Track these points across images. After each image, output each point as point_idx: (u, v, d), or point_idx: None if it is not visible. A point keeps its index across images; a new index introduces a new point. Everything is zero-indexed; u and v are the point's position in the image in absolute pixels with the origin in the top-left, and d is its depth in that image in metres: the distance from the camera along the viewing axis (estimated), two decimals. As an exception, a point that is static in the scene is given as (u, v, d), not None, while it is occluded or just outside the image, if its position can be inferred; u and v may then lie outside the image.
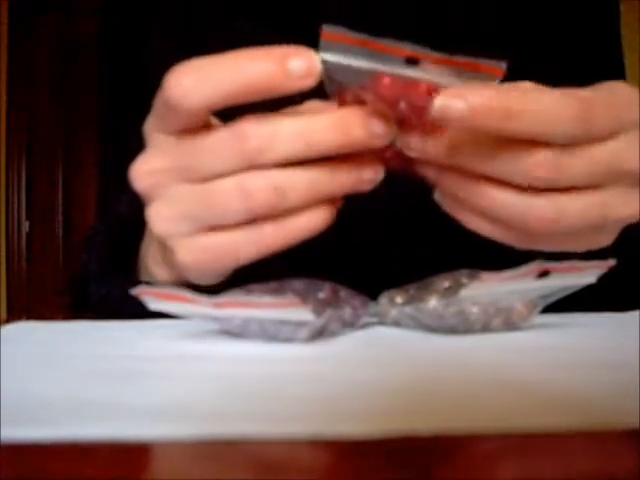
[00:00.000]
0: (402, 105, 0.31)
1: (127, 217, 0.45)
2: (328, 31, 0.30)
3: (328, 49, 0.31)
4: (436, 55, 0.31)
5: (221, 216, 0.32)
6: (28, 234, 2.39)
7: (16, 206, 2.39)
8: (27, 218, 2.40)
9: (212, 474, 0.15)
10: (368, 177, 0.33)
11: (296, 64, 0.30)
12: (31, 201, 2.40)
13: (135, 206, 0.36)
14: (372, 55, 0.31)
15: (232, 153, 0.31)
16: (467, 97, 0.29)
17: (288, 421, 0.17)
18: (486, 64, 0.31)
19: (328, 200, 0.33)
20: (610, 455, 0.15)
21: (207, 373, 0.24)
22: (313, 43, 0.32)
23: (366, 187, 0.33)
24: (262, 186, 0.31)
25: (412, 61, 0.31)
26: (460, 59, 0.31)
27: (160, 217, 0.34)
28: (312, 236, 0.33)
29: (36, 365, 0.26)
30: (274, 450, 0.16)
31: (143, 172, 0.34)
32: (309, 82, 0.30)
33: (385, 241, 0.49)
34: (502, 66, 0.31)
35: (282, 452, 0.16)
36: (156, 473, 0.15)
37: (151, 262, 0.42)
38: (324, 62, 0.31)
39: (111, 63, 0.59)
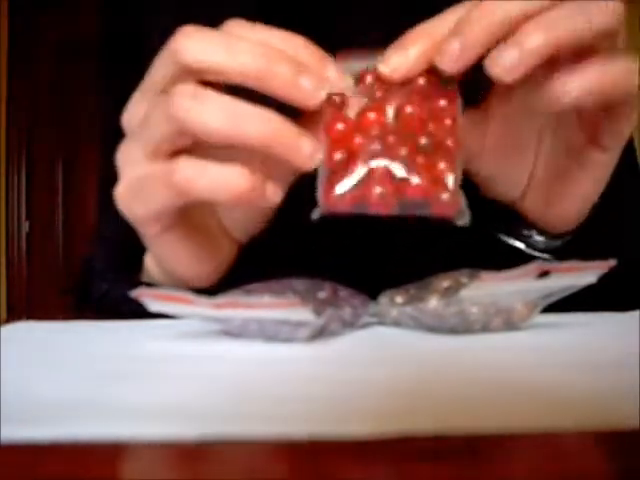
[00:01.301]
0: None
1: None
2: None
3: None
4: None
5: (150, 130, 0.32)
6: (28, 234, 2.39)
7: (16, 206, 2.39)
8: (27, 218, 2.40)
9: (211, 474, 0.15)
10: (307, 150, 0.31)
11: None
12: (31, 201, 2.40)
13: None
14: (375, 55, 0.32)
15: (164, 55, 0.32)
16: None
17: (288, 421, 0.17)
18: None
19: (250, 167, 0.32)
20: (610, 455, 0.15)
21: (207, 373, 0.24)
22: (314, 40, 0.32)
23: (302, 161, 0.31)
24: (184, 89, 0.31)
25: None
26: None
27: (121, 146, 0.35)
28: (222, 198, 0.31)
29: (36, 365, 0.26)
30: (274, 450, 0.16)
31: (129, 103, 0.35)
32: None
33: (385, 241, 0.49)
34: None
35: (282, 452, 0.16)
36: (156, 473, 0.15)
37: (149, 260, 0.42)
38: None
39: (112, 61, 0.59)
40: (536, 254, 0.41)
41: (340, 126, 0.32)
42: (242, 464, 0.15)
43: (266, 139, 0.30)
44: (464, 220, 0.31)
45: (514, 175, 0.39)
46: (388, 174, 0.31)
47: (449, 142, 0.31)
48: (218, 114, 0.30)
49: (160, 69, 0.32)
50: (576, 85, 0.31)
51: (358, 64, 0.32)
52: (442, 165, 0.31)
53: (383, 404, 0.19)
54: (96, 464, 0.15)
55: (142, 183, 0.34)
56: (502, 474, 0.14)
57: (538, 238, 0.41)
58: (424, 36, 0.32)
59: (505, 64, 0.30)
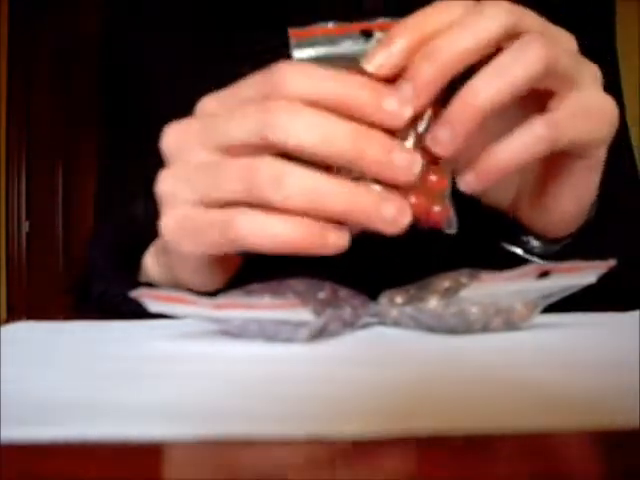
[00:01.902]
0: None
1: (140, 221, 0.45)
2: (296, 30, 0.32)
3: (300, 47, 0.32)
4: (387, 21, 0.32)
5: (218, 187, 0.32)
6: (28, 234, 2.39)
7: (16, 206, 2.39)
8: (27, 218, 2.40)
9: (212, 474, 0.15)
10: (389, 216, 0.31)
11: None
12: (31, 201, 2.40)
13: (150, 212, 0.36)
14: (333, 40, 0.32)
15: (253, 121, 0.31)
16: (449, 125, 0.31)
17: (288, 421, 0.17)
18: None
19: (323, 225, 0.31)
20: (610, 455, 0.15)
21: (207, 373, 0.24)
22: None
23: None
24: (265, 167, 0.30)
25: (367, 33, 0.33)
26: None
27: (168, 175, 0.34)
28: (285, 251, 0.31)
29: (36, 365, 0.26)
30: (274, 450, 0.16)
31: (173, 130, 0.34)
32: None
33: (385, 241, 0.49)
34: None
35: (282, 452, 0.16)
36: (156, 473, 0.15)
37: (149, 260, 0.42)
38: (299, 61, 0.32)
39: (111, 68, 0.59)
40: (534, 259, 0.41)
41: None
42: (242, 464, 0.15)
43: (346, 210, 0.30)
44: (453, 229, 0.32)
45: (502, 181, 0.40)
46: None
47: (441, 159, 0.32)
48: (299, 193, 0.30)
49: (242, 132, 0.31)
50: (493, 169, 0.32)
51: (322, 48, 0.32)
52: (433, 178, 0.32)
53: (383, 404, 0.19)
54: (96, 464, 0.15)
55: (197, 226, 0.33)
56: (502, 474, 0.14)
57: (535, 243, 0.41)
58: (410, 31, 0.32)
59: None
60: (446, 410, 0.18)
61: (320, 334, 0.30)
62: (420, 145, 0.32)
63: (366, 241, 0.49)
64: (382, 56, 0.31)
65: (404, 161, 0.31)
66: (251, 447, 0.16)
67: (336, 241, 0.31)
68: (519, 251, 0.41)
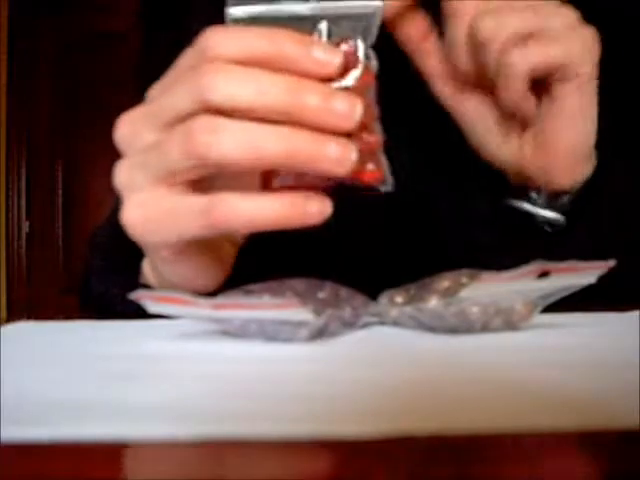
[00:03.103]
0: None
1: None
2: None
3: (236, 4, 0.32)
4: None
5: (166, 161, 0.31)
6: (28, 234, 2.39)
7: (16, 206, 2.39)
8: (27, 218, 2.40)
9: (212, 474, 0.15)
10: (334, 155, 0.30)
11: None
12: (31, 201, 2.40)
13: None
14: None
15: (188, 89, 0.30)
16: None
17: (288, 421, 0.17)
18: None
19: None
20: (610, 455, 0.15)
21: (207, 373, 0.24)
22: None
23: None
24: (202, 124, 0.29)
25: None
26: None
27: (122, 166, 0.33)
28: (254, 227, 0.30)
29: (36, 365, 0.26)
30: (274, 450, 0.16)
31: (121, 121, 0.33)
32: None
33: (385, 241, 0.49)
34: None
35: (282, 452, 0.16)
36: (156, 473, 0.15)
37: (146, 264, 0.42)
38: (235, 19, 0.32)
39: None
40: (543, 213, 0.42)
41: None
42: (242, 464, 0.15)
43: (288, 155, 0.29)
44: (388, 186, 0.32)
45: (504, 128, 0.41)
46: None
47: (367, 117, 0.31)
48: (236, 145, 0.29)
49: (182, 102, 0.31)
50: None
51: (258, 7, 0.32)
52: (365, 137, 0.31)
53: (383, 404, 0.19)
54: (96, 464, 0.15)
55: (170, 214, 0.32)
56: (502, 474, 0.14)
57: (544, 198, 0.42)
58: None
59: None
60: (446, 410, 0.18)
61: (320, 334, 0.30)
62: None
63: (366, 241, 0.49)
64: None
65: (345, 106, 0.30)
66: (251, 447, 0.16)
67: (319, 209, 0.30)
68: (526, 205, 0.42)
